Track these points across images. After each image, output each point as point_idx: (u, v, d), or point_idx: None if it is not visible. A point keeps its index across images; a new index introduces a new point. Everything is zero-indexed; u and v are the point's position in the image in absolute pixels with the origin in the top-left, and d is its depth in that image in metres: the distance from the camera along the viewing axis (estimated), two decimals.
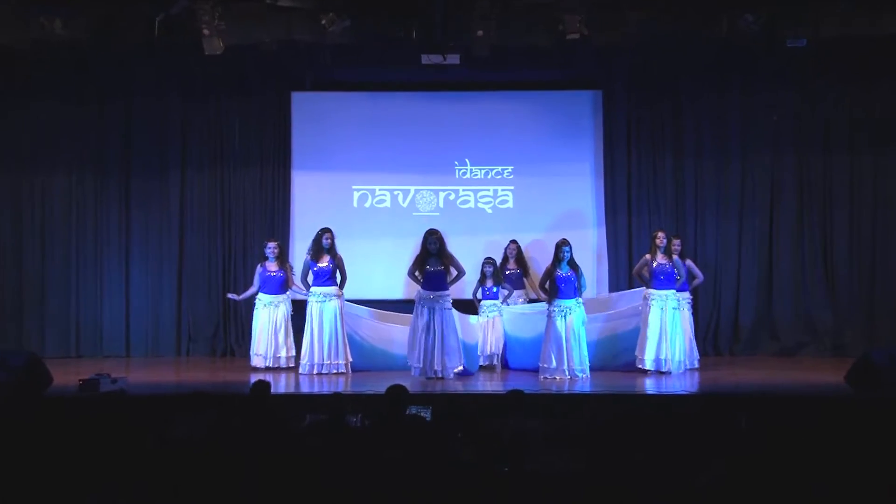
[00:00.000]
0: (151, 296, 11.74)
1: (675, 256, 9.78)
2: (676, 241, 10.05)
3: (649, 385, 8.95)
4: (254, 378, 7.60)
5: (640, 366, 9.55)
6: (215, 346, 11.71)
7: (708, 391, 8.70)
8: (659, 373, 9.44)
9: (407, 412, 6.09)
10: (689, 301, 10.14)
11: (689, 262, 10.31)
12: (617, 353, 9.82)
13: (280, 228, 11.63)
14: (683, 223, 11.58)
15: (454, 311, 9.46)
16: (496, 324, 10.22)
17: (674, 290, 9.63)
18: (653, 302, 9.58)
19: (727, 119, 11.63)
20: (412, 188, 11.81)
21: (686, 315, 9.97)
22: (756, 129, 11.59)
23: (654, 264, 9.65)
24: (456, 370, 9.28)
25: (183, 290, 11.78)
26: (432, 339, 9.17)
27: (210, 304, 11.71)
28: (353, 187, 11.81)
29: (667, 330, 9.47)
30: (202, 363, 11.16)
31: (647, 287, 9.66)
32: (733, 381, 9.36)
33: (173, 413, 6.28)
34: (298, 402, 7.87)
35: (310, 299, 9.75)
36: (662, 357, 9.49)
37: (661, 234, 9.70)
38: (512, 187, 11.80)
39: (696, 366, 10.06)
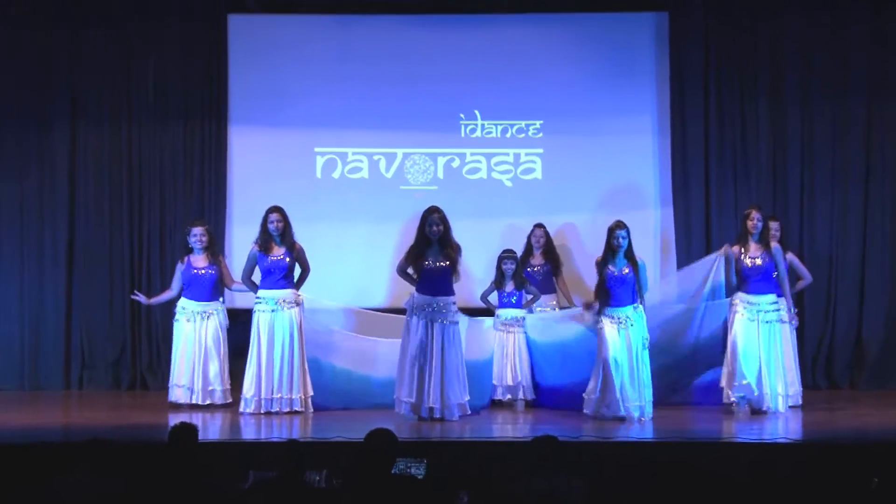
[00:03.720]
0: (28, 305, 11.74)
1: (775, 245, 9.71)
2: (774, 225, 10.02)
3: (737, 429, 8.92)
4: (175, 420, 7.58)
5: (725, 400, 9.52)
6: (120, 375, 11.72)
7: (820, 438, 8.66)
8: (754, 412, 9.40)
9: (394, 468, 6.06)
10: (794, 311, 10.09)
11: (790, 255, 10.26)
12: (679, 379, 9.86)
13: (213, 208, 11.64)
14: (783, 199, 11.60)
15: (463, 320, 9.46)
16: (519, 344, 10.21)
17: (774, 295, 9.59)
18: (743, 310, 9.54)
19: (847, 50, 11.63)
20: (399, 151, 11.81)
21: (788, 331, 9.94)
22: (888, 64, 11.60)
23: (746, 259, 9.59)
24: (461, 407, 9.27)
25: (74, 296, 11.78)
26: (429, 365, 9.15)
27: (113, 317, 11.72)
28: (317, 150, 11.81)
29: (763, 351, 9.43)
30: (102, 399, 11.13)
31: (734, 290, 9.60)
32: (856, 425, 9.35)
33: (61, 469, 6.25)
34: (238, 453, 7.85)
35: (256, 308, 9.73)
36: (762, 390, 9.43)
37: (755, 214, 9.63)
38: (540, 150, 11.80)
39: (800, 402, 10.05)
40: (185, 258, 10.28)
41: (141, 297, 10.66)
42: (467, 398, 9.38)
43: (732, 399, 9.47)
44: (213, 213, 11.55)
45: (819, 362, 11.53)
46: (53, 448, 7.60)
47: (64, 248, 11.79)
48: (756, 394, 9.42)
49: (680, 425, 9.07)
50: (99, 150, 11.83)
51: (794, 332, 10.16)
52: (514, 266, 10.37)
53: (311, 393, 9.72)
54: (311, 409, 9.68)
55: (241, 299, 10.32)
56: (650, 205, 11.70)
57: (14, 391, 11.53)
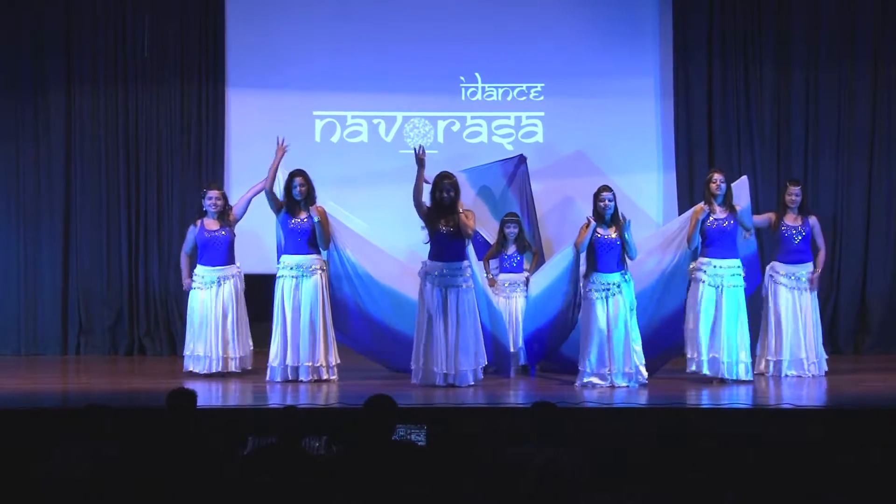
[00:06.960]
0: (25, 269, 11.74)
1: (813, 219, 9.91)
2: (795, 189, 10.00)
3: (735, 396, 8.94)
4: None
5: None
6: (117, 340, 11.74)
7: (825, 405, 8.73)
8: (716, 381, 9.42)
9: (394, 435, 6.07)
10: (810, 277, 10.11)
11: (814, 219, 10.12)
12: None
13: (210, 171, 11.62)
14: (787, 163, 11.57)
15: (483, 280, 9.52)
16: (519, 309, 10.19)
17: (739, 260, 9.59)
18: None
19: (854, 13, 11.59)
20: (399, 115, 11.77)
21: (811, 299, 10.03)
22: (894, 29, 11.53)
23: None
24: (475, 373, 9.29)
25: (70, 261, 11.78)
26: (442, 331, 9.18)
27: (110, 282, 11.74)
28: (315, 113, 11.78)
29: (725, 318, 9.41)
30: (99, 364, 11.19)
31: (696, 252, 9.55)
32: (858, 391, 9.38)
33: (56, 437, 6.26)
34: (237, 419, 7.86)
35: (279, 273, 9.66)
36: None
37: (717, 177, 9.55)
38: (541, 113, 11.77)
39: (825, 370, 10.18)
40: (199, 221, 10.06)
41: (186, 284, 10.17)
42: (483, 363, 9.43)
43: (693, 368, 9.48)
44: (211, 177, 11.50)
45: (823, 328, 11.50)
46: (50, 414, 7.63)
47: (60, 212, 11.78)
48: (724, 361, 9.43)
49: (676, 392, 9.10)
50: (95, 113, 11.79)
51: (816, 298, 10.14)
52: (516, 230, 10.38)
53: (337, 361, 9.64)
54: (336, 377, 9.57)
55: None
56: (653, 168, 11.67)
57: (11, 356, 11.56)
